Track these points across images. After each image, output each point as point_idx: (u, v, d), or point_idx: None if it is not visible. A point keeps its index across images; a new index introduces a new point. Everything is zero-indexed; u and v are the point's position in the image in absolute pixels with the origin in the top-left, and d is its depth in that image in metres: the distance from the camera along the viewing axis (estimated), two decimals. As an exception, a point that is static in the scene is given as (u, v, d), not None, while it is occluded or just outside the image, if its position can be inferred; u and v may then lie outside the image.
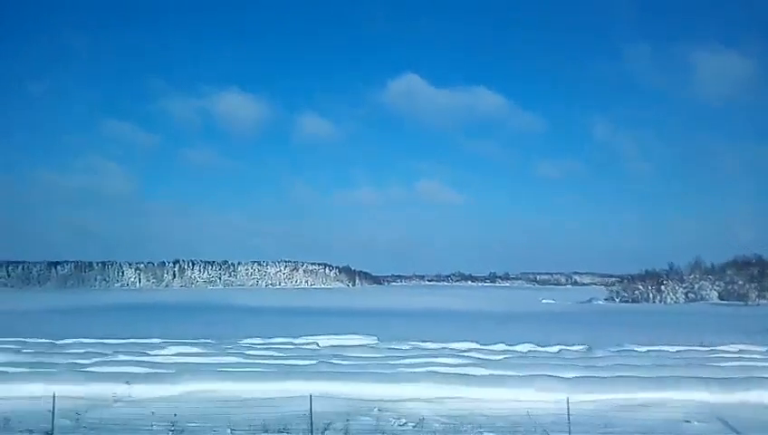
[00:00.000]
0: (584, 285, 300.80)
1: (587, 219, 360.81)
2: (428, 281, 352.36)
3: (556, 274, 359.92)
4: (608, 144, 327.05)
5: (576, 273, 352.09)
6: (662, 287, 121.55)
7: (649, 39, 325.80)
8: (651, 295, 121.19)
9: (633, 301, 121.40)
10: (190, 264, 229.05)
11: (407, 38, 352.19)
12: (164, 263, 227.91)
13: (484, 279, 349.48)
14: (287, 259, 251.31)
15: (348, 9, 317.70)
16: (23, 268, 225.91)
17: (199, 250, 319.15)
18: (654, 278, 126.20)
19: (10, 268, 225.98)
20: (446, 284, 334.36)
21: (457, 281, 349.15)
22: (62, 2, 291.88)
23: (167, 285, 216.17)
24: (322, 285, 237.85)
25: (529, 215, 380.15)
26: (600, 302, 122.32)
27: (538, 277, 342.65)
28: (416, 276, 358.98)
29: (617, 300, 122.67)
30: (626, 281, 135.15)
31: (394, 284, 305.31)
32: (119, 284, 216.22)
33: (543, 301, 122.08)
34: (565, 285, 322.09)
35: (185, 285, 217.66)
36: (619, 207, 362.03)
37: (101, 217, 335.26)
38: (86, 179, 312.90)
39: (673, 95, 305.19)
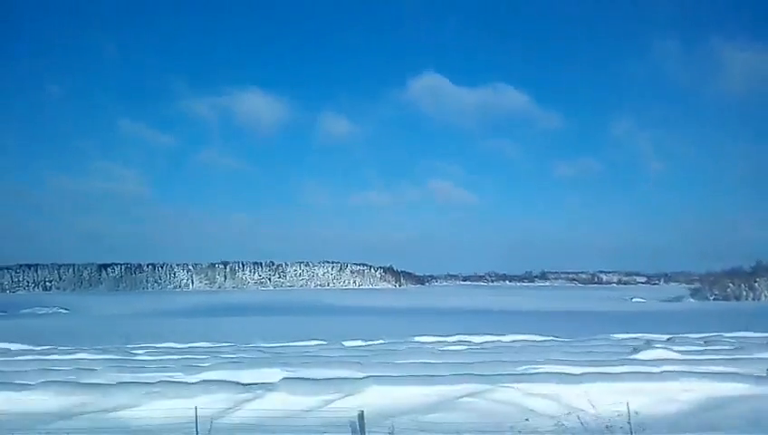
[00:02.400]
0: (615, 283, 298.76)
1: (607, 219, 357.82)
2: (463, 281, 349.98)
3: (580, 273, 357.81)
4: (629, 143, 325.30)
5: (601, 271, 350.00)
6: (755, 284, 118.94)
7: (676, 36, 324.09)
8: (745, 293, 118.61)
9: (725, 299, 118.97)
10: (240, 265, 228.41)
11: (428, 36, 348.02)
12: (214, 264, 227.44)
13: (520, 278, 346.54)
14: (332, 260, 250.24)
15: (369, 8, 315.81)
16: (73, 271, 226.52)
17: (203, 252, 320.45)
18: (743, 276, 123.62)
19: (61, 270, 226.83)
20: (483, 284, 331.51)
21: (493, 281, 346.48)
22: (84, 3, 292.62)
23: (219, 287, 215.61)
24: (370, 286, 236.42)
25: (551, 215, 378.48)
26: (692, 300, 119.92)
27: (578, 276, 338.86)
28: (449, 276, 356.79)
29: (710, 298, 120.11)
30: (712, 279, 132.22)
31: (435, 284, 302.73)
32: (171, 285, 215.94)
33: (634, 300, 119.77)
34: (599, 283, 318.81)
35: (237, 287, 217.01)
36: (637, 207, 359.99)
37: (120, 219, 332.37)
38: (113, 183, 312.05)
39: (699, 93, 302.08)
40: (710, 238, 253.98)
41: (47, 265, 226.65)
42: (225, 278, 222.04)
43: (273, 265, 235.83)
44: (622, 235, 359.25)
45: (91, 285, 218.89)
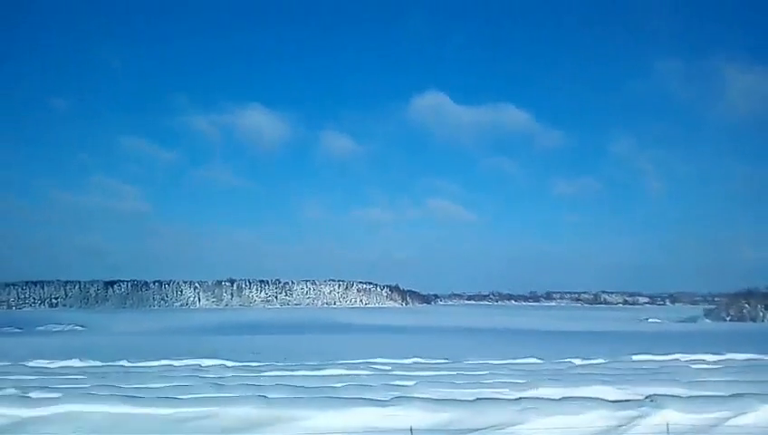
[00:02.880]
0: (616, 304, 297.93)
1: (608, 239, 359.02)
2: (467, 300, 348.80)
3: (583, 293, 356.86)
4: (630, 162, 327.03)
5: (604, 292, 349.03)
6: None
7: (678, 56, 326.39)
8: (761, 314, 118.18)
9: (740, 319, 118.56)
10: (247, 283, 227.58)
11: (432, 55, 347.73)
12: (220, 282, 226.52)
13: (525, 298, 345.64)
14: (335, 278, 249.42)
15: (373, 26, 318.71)
16: (79, 287, 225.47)
17: (207, 269, 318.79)
18: (759, 297, 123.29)
19: (67, 287, 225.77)
20: (488, 303, 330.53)
21: (498, 300, 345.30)
22: (87, 18, 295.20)
23: (226, 305, 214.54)
24: (377, 304, 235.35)
25: (551, 234, 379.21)
26: (707, 321, 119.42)
27: (582, 296, 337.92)
28: (453, 295, 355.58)
29: (726, 319, 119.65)
30: (727, 300, 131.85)
31: (440, 303, 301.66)
32: (178, 303, 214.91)
33: (650, 320, 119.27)
34: (603, 304, 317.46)
35: (244, 304, 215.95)
36: (638, 227, 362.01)
37: (123, 236, 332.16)
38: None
39: (701, 113, 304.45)
40: (712, 259, 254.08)
41: (53, 282, 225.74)
42: (232, 296, 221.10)
43: (279, 283, 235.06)
44: (624, 254, 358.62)
45: (97, 302, 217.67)
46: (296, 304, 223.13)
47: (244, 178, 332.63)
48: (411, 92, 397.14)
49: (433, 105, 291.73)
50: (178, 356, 32.58)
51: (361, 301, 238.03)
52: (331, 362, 28.71)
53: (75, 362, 31.79)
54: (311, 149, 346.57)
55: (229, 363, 29.58)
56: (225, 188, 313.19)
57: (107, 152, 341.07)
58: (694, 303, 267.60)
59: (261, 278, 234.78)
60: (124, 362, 30.60)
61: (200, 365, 29.35)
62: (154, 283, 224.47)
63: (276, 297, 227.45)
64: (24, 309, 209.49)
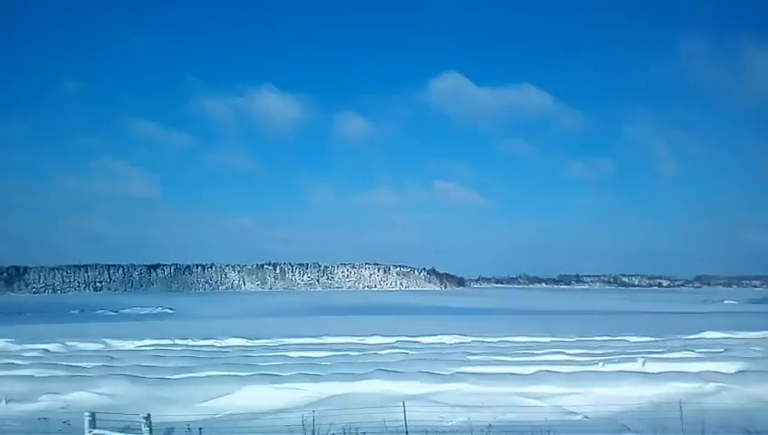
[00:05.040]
0: (639, 286, 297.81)
1: (626, 222, 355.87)
2: (495, 283, 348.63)
3: (603, 276, 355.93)
4: (646, 143, 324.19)
5: (624, 275, 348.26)
6: None
7: (702, 36, 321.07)
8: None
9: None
10: (289, 266, 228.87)
11: (451, 36, 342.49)
12: (262, 265, 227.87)
13: (555, 281, 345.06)
14: (374, 262, 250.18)
15: (392, 6, 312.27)
16: (123, 271, 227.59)
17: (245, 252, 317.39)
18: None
19: (111, 271, 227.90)
20: (517, 286, 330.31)
21: (527, 283, 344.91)
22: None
23: (270, 288, 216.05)
24: (416, 288, 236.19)
25: (569, 217, 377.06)
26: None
27: (602, 278, 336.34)
28: (482, 278, 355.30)
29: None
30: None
31: (474, 286, 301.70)
32: (223, 286, 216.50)
33: (726, 301, 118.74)
34: (633, 286, 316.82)
35: (288, 288, 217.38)
36: (654, 210, 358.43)
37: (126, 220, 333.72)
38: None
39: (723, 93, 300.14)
40: (736, 242, 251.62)
41: (96, 266, 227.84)
42: (275, 279, 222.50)
43: (319, 266, 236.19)
44: (645, 238, 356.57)
45: (141, 285, 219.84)
46: (338, 287, 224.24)
47: (257, 161, 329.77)
48: (429, 74, 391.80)
49: (452, 87, 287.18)
50: (320, 334, 34.18)
51: (401, 284, 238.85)
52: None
53: (239, 341, 33.01)
54: (326, 131, 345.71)
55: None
56: (237, 171, 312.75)
57: (118, 136, 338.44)
58: (727, 285, 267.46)
59: (300, 262, 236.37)
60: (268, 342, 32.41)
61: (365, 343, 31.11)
62: (196, 266, 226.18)
63: (318, 281, 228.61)
64: (69, 293, 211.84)
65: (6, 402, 16.21)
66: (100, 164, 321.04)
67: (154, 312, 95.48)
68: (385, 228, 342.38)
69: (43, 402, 16.48)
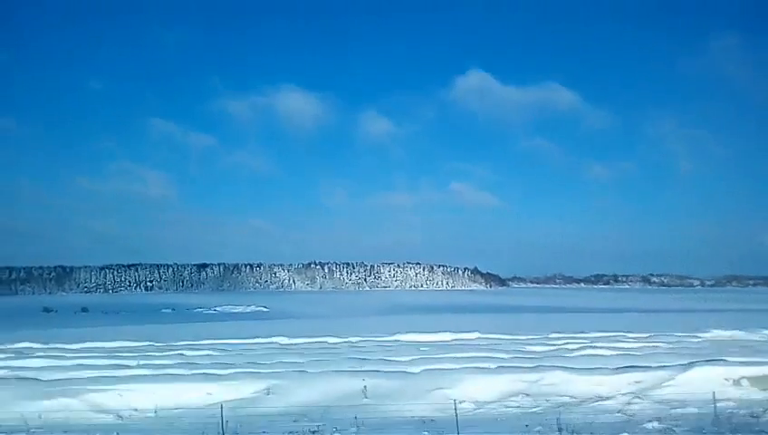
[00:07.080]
0: (667, 286, 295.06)
1: (651, 223, 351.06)
2: (530, 283, 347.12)
3: (632, 276, 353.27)
4: (671, 143, 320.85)
5: (652, 275, 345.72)
6: None
7: (734, 35, 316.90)
8: None
9: None
10: (336, 265, 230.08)
11: (476, 34, 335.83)
12: (309, 264, 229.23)
13: (591, 281, 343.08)
14: (414, 261, 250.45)
15: (417, 4, 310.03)
16: (172, 271, 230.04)
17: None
18: None
19: (161, 270, 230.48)
20: (555, 286, 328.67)
21: (564, 283, 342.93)
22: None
23: (320, 287, 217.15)
24: (462, 287, 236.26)
25: (592, 217, 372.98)
26: None
27: (652, 279, 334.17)
28: (517, 278, 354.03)
29: None
30: None
31: (514, 286, 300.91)
32: (273, 285, 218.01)
33: None
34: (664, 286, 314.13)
35: (336, 287, 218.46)
36: (677, 212, 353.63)
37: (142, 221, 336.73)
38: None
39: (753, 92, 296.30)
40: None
41: (146, 265, 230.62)
42: (325, 278, 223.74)
43: (365, 265, 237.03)
44: (671, 239, 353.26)
45: (191, 284, 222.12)
46: (385, 287, 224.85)
47: (278, 162, 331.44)
48: (456, 72, 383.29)
49: (477, 85, 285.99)
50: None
51: (447, 283, 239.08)
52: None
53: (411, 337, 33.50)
54: (352, 130, 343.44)
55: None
56: (258, 172, 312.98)
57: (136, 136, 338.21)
58: (757, 285, 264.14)
59: (346, 261, 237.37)
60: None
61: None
62: (245, 266, 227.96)
63: (365, 280, 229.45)
64: (121, 292, 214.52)
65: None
66: (117, 167, 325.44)
67: (253, 310, 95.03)
68: (428, 227, 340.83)
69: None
